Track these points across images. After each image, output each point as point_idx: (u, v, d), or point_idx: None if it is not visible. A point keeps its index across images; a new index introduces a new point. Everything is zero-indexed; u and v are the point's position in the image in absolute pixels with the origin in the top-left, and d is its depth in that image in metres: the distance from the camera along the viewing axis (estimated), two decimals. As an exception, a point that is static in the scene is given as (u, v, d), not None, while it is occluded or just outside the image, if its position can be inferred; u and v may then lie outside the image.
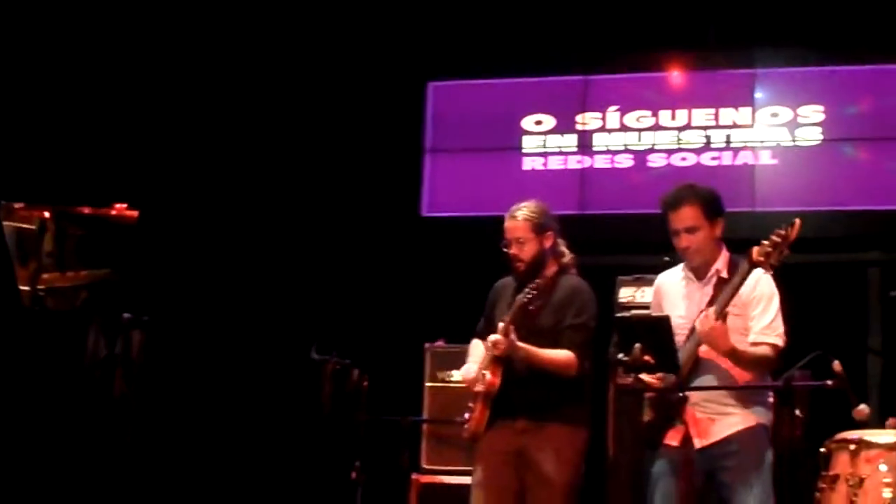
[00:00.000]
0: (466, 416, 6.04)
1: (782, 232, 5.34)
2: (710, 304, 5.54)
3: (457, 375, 7.36)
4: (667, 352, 5.42)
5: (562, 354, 5.88)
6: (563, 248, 6.17)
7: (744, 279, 5.44)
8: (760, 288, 5.60)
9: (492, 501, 5.97)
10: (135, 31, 9.64)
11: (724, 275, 5.65)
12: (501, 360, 5.90)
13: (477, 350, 6.17)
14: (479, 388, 5.95)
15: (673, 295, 5.87)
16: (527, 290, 5.92)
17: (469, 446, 6.22)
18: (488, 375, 5.91)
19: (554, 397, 5.89)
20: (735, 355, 5.50)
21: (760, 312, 5.62)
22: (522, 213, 6.06)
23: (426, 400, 8.03)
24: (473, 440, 6.05)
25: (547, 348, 5.90)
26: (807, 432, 6.62)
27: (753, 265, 5.38)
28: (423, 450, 8.00)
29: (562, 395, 5.90)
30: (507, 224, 6.08)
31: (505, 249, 6.04)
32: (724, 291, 5.47)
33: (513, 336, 5.83)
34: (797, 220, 5.33)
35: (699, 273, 5.75)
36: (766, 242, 5.35)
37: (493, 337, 5.90)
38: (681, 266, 5.89)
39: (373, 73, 9.93)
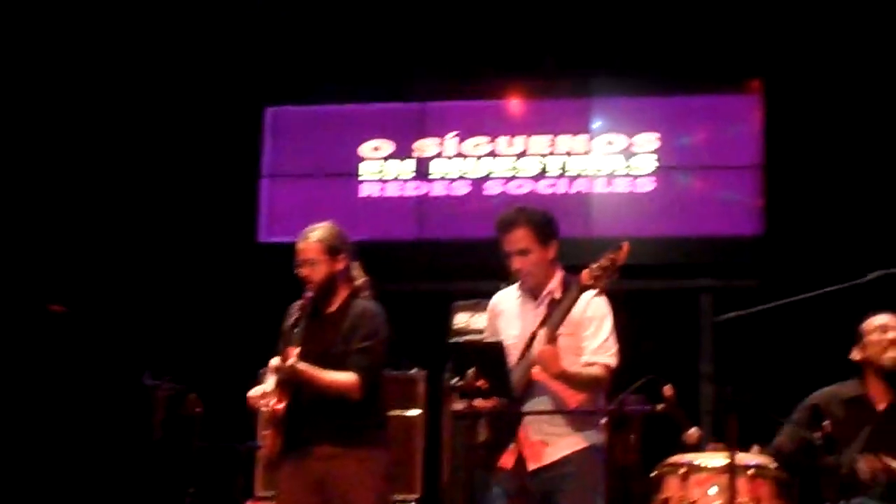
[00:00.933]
0: (261, 441, 5.97)
1: (611, 255, 5.40)
2: (543, 324, 5.57)
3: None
4: (500, 377, 5.44)
5: (344, 377, 5.78)
6: (357, 272, 6.10)
7: (574, 302, 5.48)
8: (592, 309, 5.64)
9: None
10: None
11: (558, 295, 5.68)
12: (288, 384, 5.81)
13: (272, 374, 6.00)
14: (266, 411, 5.86)
15: (507, 314, 5.88)
16: (296, 309, 5.89)
17: (270, 473, 6.11)
18: (273, 400, 5.82)
19: (349, 423, 5.80)
20: (566, 377, 5.52)
21: (593, 333, 5.66)
22: (315, 234, 5.96)
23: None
24: (269, 467, 5.97)
25: (335, 370, 5.83)
26: (640, 456, 6.70)
27: (583, 288, 5.43)
28: (257, 476, 7.90)
29: (357, 419, 5.82)
30: (300, 245, 5.97)
31: (297, 271, 5.96)
32: (555, 314, 5.50)
33: (293, 360, 5.74)
34: (625, 244, 5.40)
35: (534, 293, 5.78)
36: (595, 266, 5.40)
37: (273, 361, 5.84)
38: (517, 285, 5.91)
39: (210, 98, 9.83)
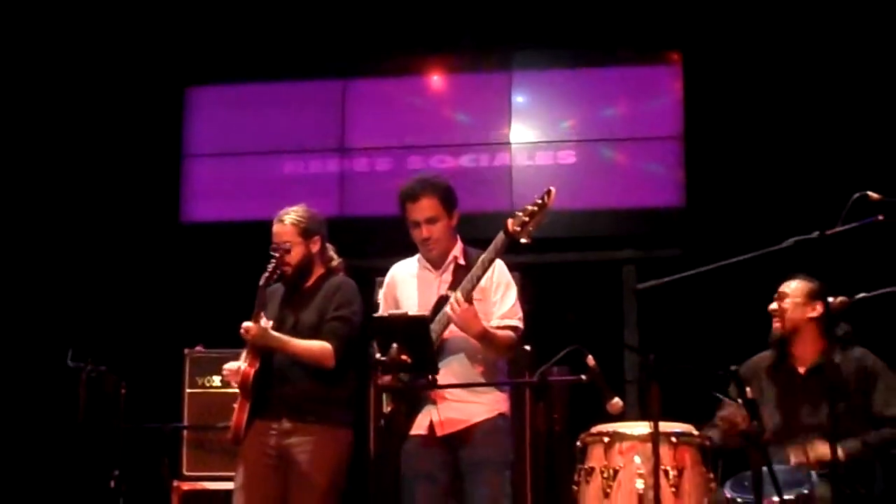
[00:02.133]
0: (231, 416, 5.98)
1: (539, 201, 5.40)
2: (452, 288, 5.60)
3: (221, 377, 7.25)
4: (424, 351, 5.46)
5: (318, 344, 5.86)
6: (332, 253, 6.20)
7: (499, 253, 5.50)
8: (498, 275, 5.73)
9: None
10: None
11: (462, 262, 5.77)
12: (259, 353, 5.85)
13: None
14: (237, 380, 5.89)
15: (407, 285, 5.95)
16: (264, 275, 5.91)
17: (233, 449, 6.13)
18: (244, 366, 5.86)
19: (315, 398, 5.87)
20: (486, 337, 5.58)
21: (501, 297, 5.76)
22: (290, 217, 6.05)
23: (186, 406, 7.90)
24: (236, 442, 5.97)
25: None
26: (566, 427, 6.74)
27: (510, 236, 5.42)
28: (183, 456, 7.87)
29: (323, 395, 5.88)
30: (275, 228, 6.06)
31: (273, 254, 5.98)
32: (474, 271, 5.53)
33: (265, 322, 5.78)
34: (552, 189, 5.39)
35: (436, 263, 5.83)
36: (520, 212, 5.40)
37: (245, 323, 5.84)
38: (415, 257, 5.98)
39: (131, 80, 9.75)
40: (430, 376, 5.44)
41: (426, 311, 5.69)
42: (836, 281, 5.52)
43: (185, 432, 7.85)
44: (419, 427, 5.70)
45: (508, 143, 9.58)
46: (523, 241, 5.46)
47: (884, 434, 6.00)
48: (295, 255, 6.01)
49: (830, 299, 5.38)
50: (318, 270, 6.13)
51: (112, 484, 7.47)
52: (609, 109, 9.59)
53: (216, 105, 10.05)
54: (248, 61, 9.89)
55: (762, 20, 9.03)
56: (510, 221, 5.41)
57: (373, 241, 8.97)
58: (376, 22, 9.61)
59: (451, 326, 5.60)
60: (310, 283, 6.10)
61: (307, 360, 5.86)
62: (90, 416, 7.44)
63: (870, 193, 4.94)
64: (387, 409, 5.76)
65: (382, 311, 6.02)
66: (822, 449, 5.78)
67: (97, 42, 9.76)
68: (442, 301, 5.64)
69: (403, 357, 5.45)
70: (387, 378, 5.58)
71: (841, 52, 8.82)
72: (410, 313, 5.76)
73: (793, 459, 5.86)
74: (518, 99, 9.66)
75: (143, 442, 7.86)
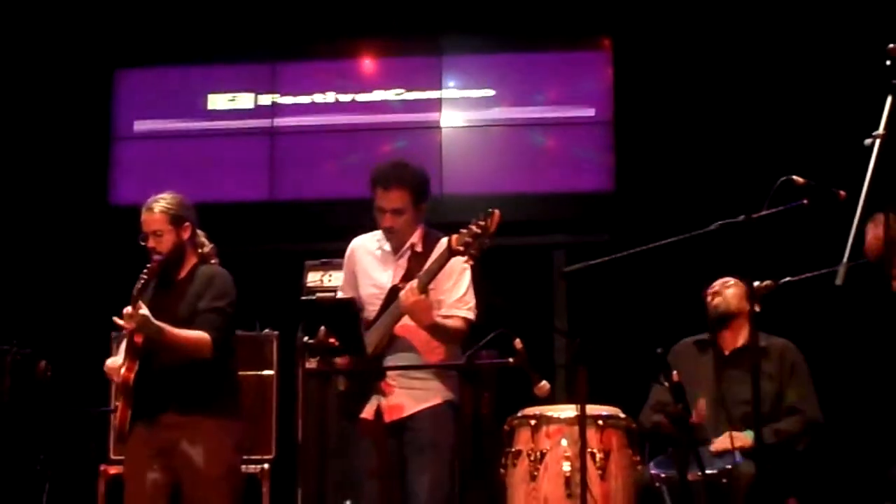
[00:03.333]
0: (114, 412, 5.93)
1: (481, 223, 5.37)
2: (406, 277, 5.60)
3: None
4: (352, 334, 5.46)
5: (195, 333, 5.73)
6: (203, 239, 6.08)
7: (442, 266, 5.49)
8: (452, 264, 5.67)
9: (143, 500, 5.84)
10: None
11: (419, 249, 5.73)
12: (137, 354, 5.74)
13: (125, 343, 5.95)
14: (118, 380, 5.80)
15: (367, 262, 5.89)
16: (141, 275, 5.83)
17: (121, 443, 6.07)
18: (123, 368, 5.74)
19: (199, 390, 5.76)
20: (436, 329, 5.56)
21: (452, 286, 5.70)
22: (159, 205, 5.93)
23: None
24: (121, 439, 5.91)
25: None
26: (493, 410, 6.77)
27: (453, 253, 5.42)
28: (110, 440, 7.82)
29: (207, 387, 5.78)
30: (144, 217, 5.93)
31: (143, 243, 5.90)
32: (427, 270, 5.50)
33: (144, 310, 5.64)
34: (496, 212, 5.35)
35: (395, 248, 5.80)
36: (464, 231, 5.38)
37: (127, 309, 5.75)
38: (376, 234, 5.91)
39: (60, 61, 9.66)
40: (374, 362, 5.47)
41: (381, 292, 5.69)
42: (761, 264, 5.58)
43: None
44: (367, 412, 5.67)
45: (439, 128, 9.56)
46: (465, 260, 5.48)
47: (792, 424, 6.13)
48: (166, 244, 5.89)
49: (756, 283, 5.43)
50: (191, 259, 6.00)
51: (38, 467, 7.42)
52: (539, 94, 9.58)
53: (145, 87, 9.95)
54: (177, 43, 9.80)
55: (692, 6, 9.07)
56: (454, 238, 5.38)
57: (302, 225, 8.98)
58: (306, 4, 9.57)
59: (404, 319, 5.59)
60: (182, 273, 5.98)
61: (186, 350, 5.73)
62: (16, 400, 7.39)
63: (795, 178, 4.98)
64: (340, 388, 5.72)
65: (312, 295, 6.01)
66: (744, 438, 5.86)
67: (25, 25, 9.65)
68: (394, 292, 5.63)
69: (331, 340, 5.45)
70: (315, 361, 5.58)
71: (769, 36, 8.88)
72: (338, 296, 5.76)
73: (716, 446, 5.93)
74: (449, 83, 9.64)
75: (70, 426, 7.81)
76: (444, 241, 5.53)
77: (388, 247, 5.84)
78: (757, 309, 5.68)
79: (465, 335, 5.72)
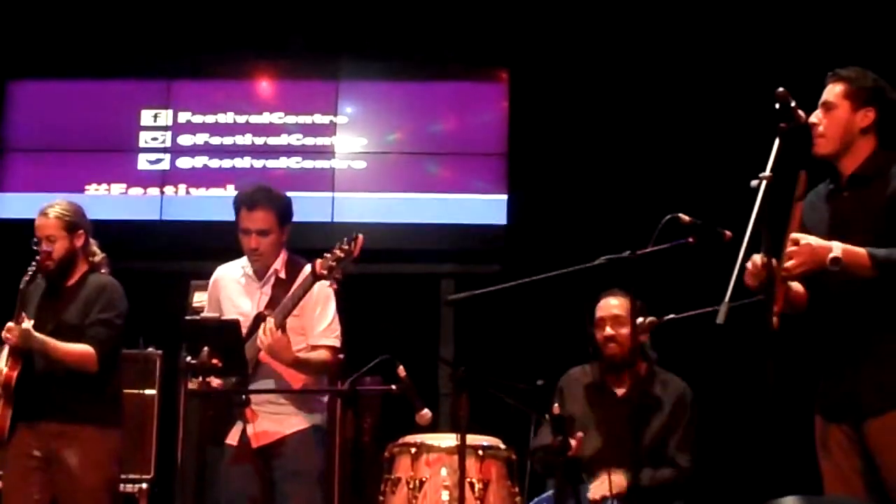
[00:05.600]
0: None
1: (345, 247, 5.44)
2: (271, 303, 5.62)
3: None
4: (235, 354, 5.46)
5: (80, 348, 5.78)
6: (95, 248, 6.12)
7: (306, 291, 5.54)
8: (317, 291, 5.69)
9: None
10: None
11: (283, 275, 5.78)
12: (21, 355, 5.74)
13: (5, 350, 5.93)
14: None
15: (231, 290, 5.93)
16: (28, 269, 5.84)
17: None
18: (5, 369, 5.73)
19: (81, 398, 5.79)
20: (298, 364, 5.61)
21: (319, 314, 5.77)
22: (54, 210, 5.97)
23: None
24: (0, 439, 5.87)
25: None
26: (375, 436, 6.75)
27: (317, 278, 5.47)
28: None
29: (90, 395, 5.82)
30: (38, 222, 5.96)
31: (35, 247, 5.90)
32: (286, 302, 5.58)
33: (27, 324, 5.68)
34: (360, 236, 5.44)
35: (259, 273, 5.84)
36: (328, 255, 5.43)
37: (9, 324, 5.74)
38: (241, 261, 5.96)
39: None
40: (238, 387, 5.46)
41: (245, 319, 5.67)
42: (646, 301, 5.63)
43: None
44: (232, 438, 5.67)
45: (333, 153, 9.53)
46: (331, 285, 5.52)
47: (667, 476, 6.14)
48: (58, 250, 5.92)
49: (640, 320, 5.47)
50: (82, 267, 6.04)
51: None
52: (436, 124, 9.60)
53: (39, 100, 9.81)
54: (73, 57, 9.69)
55: (588, 41, 9.15)
56: (318, 263, 5.45)
57: (189, 245, 8.91)
58: (204, 22, 9.50)
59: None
60: (72, 280, 6.01)
61: (69, 364, 5.77)
62: None
63: (681, 216, 5.04)
64: (208, 413, 5.71)
65: (197, 315, 5.99)
66: (621, 481, 5.87)
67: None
68: (259, 319, 5.64)
69: (214, 361, 5.43)
70: (196, 382, 5.56)
71: (664, 76, 8.99)
72: (222, 317, 5.74)
73: (593, 493, 5.92)
74: (346, 109, 9.62)
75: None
76: (307, 267, 5.57)
77: (252, 273, 5.85)
78: (644, 338, 5.74)
79: (333, 365, 5.80)
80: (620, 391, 6.32)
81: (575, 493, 5.51)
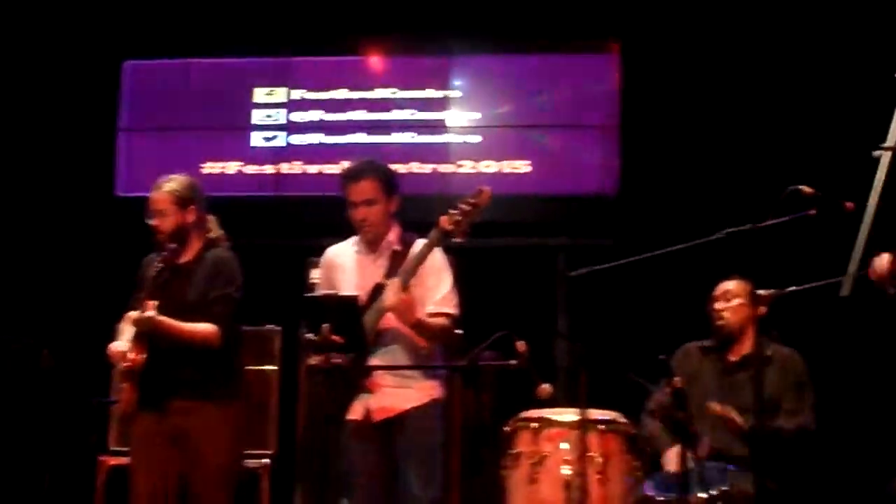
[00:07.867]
0: (118, 396, 5.94)
1: (472, 200, 5.46)
2: (388, 275, 5.64)
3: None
4: (355, 331, 5.49)
5: (203, 327, 5.83)
6: (212, 225, 6.14)
7: (432, 247, 5.55)
8: (433, 260, 5.72)
9: (150, 485, 5.88)
10: None
11: (398, 247, 5.76)
12: (146, 337, 5.80)
13: (129, 326, 6.00)
14: (124, 365, 5.83)
15: (344, 267, 5.98)
16: (156, 262, 5.90)
17: (125, 427, 6.09)
18: (131, 353, 5.79)
19: (206, 375, 5.86)
20: (420, 326, 5.62)
21: (436, 284, 5.79)
22: (168, 185, 6.02)
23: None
24: (125, 421, 5.95)
25: (193, 322, 5.85)
26: (494, 412, 6.77)
27: (443, 233, 5.47)
28: (111, 431, 7.81)
29: (214, 372, 5.88)
30: (152, 195, 6.03)
31: (148, 221, 5.97)
32: (409, 262, 5.59)
33: (152, 312, 5.74)
34: (486, 189, 5.44)
35: (372, 246, 5.87)
36: (454, 211, 5.45)
37: (132, 314, 5.81)
38: (351, 240, 6.00)
39: (68, 53, 9.64)
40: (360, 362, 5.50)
41: (362, 295, 5.71)
42: (766, 274, 5.58)
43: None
44: (354, 413, 5.71)
45: (445, 128, 9.55)
46: (457, 239, 5.53)
47: (785, 422, 6.14)
48: (168, 224, 5.97)
49: (761, 292, 5.44)
50: (195, 243, 6.07)
51: (39, 458, 7.42)
52: (546, 96, 9.57)
53: (154, 79, 9.92)
54: (186, 37, 9.78)
55: (702, 11, 9.07)
56: (444, 219, 5.47)
57: (307, 221, 8.97)
58: (319, 3, 9.56)
59: (387, 315, 5.61)
60: (188, 257, 6.05)
61: (194, 344, 5.82)
62: (17, 390, 7.39)
63: (803, 188, 4.99)
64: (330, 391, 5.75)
65: (315, 292, 6.03)
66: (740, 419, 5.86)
67: (32, 17, 9.64)
68: (377, 289, 5.67)
69: (335, 337, 5.47)
70: (318, 358, 5.60)
71: (780, 45, 8.87)
72: (341, 294, 5.78)
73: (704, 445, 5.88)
74: (456, 83, 9.63)
75: (71, 416, 7.81)
76: (420, 241, 5.59)
77: (364, 249, 5.88)
78: (763, 311, 5.69)
79: (451, 333, 5.82)
80: (733, 357, 6.35)
81: (698, 470, 5.48)
